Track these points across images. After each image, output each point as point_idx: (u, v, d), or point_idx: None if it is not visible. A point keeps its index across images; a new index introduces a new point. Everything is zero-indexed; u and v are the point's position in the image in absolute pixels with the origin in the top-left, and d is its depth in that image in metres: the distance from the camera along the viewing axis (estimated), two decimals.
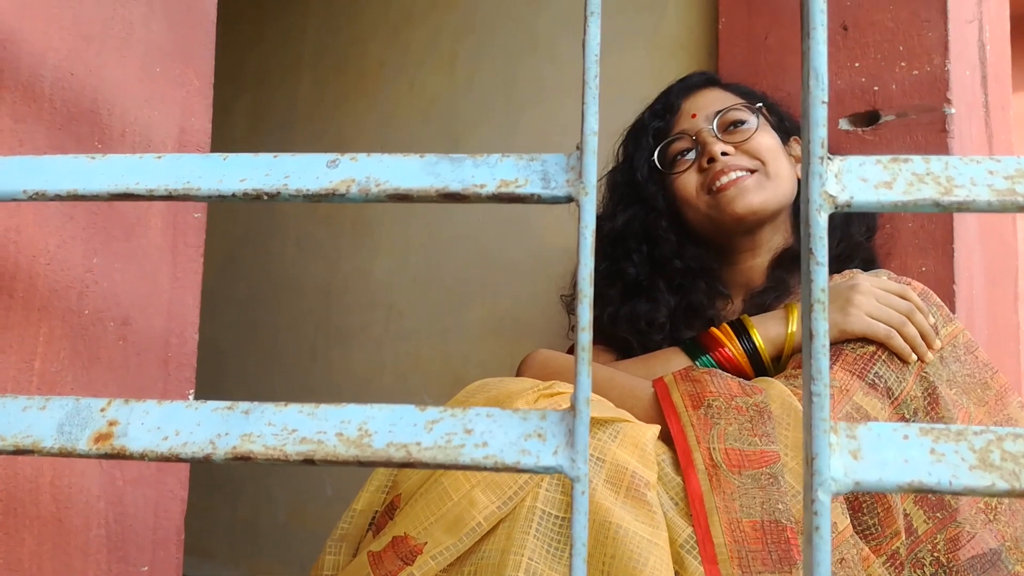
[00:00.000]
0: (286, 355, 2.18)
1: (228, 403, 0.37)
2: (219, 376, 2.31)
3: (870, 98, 1.25)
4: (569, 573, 0.73)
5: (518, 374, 1.09)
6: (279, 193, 0.36)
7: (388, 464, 0.35)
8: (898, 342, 0.93)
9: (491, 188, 0.35)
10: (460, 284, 1.86)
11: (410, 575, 0.74)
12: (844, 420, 0.91)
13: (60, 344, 0.46)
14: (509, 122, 1.84)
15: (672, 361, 1.03)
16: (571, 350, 1.23)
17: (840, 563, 0.77)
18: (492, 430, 0.34)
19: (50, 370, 0.44)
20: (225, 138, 2.58)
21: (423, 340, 1.94)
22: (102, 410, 0.37)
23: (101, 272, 0.48)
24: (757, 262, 1.18)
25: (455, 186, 0.36)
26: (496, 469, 0.34)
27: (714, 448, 0.82)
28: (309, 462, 0.35)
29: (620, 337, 1.18)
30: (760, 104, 1.17)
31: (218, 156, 0.37)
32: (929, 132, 1.20)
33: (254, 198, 0.35)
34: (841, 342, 0.96)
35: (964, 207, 0.33)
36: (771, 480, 0.80)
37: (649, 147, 1.19)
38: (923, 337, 0.96)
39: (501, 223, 1.80)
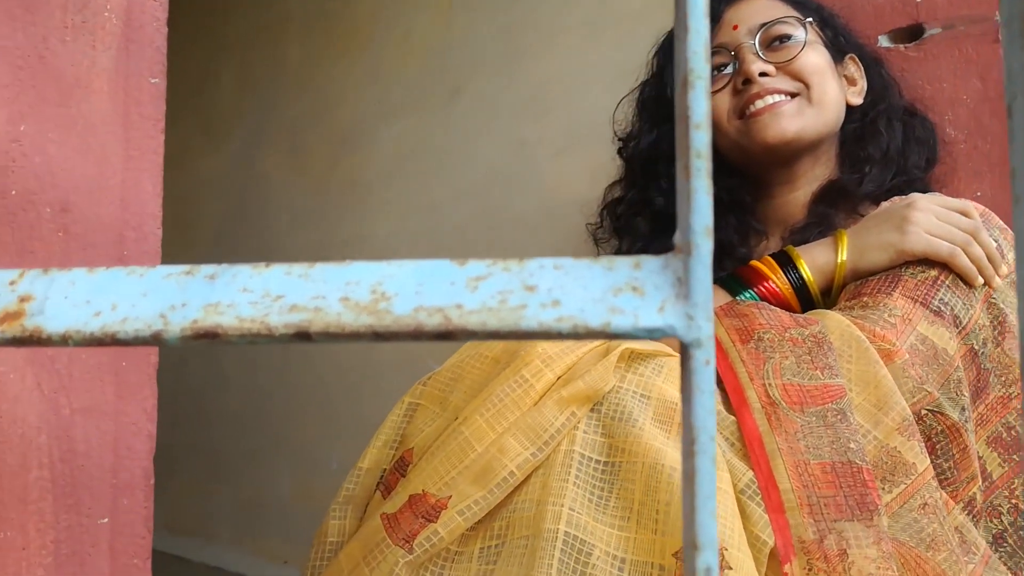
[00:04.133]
0: None
1: (186, 267, 0.26)
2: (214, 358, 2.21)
3: (912, 10, 1.14)
4: (615, 523, 0.64)
5: None
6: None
7: (417, 336, 0.24)
8: (963, 261, 0.83)
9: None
10: (463, 243, 1.75)
11: (434, 532, 0.64)
12: (909, 352, 0.82)
13: None
14: (512, 71, 1.72)
15: (715, 296, 0.92)
16: None
17: (923, 508, 0.67)
18: (564, 285, 0.24)
19: None
20: (212, 105, 2.46)
21: None
22: (11, 283, 0.27)
23: (31, 143, 0.38)
24: (795, 196, 1.07)
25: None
26: (576, 336, 0.23)
27: (770, 384, 0.72)
28: (302, 336, 0.24)
29: None
30: (812, 17, 1.05)
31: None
32: (981, 44, 1.09)
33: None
34: (899, 265, 0.86)
35: None
36: (839, 416, 0.70)
37: None
38: (989, 259, 0.85)
39: (506, 177, 1.69)
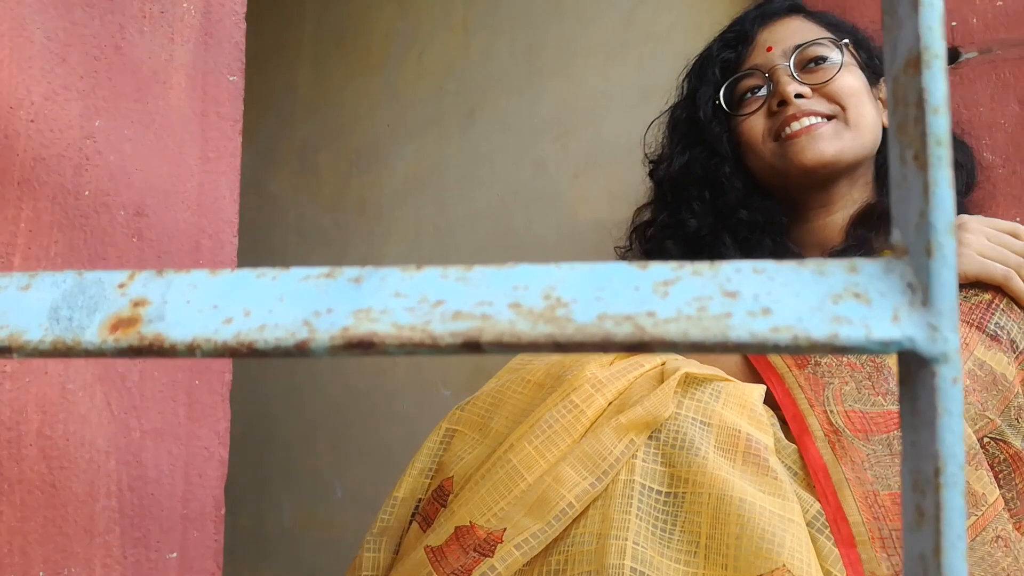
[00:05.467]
0: None
1: (325, 268, 0.24)
2: None
3: (948, 34, 1.13)
4: (681, 559, 0.60)
5: None
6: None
7: (605, 347, 0.21)
8: (1018, 284, 0.81)
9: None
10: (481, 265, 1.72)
11: (491, 568, 0.60)
12: (968, 378, 0.79)
13: (49, 234, 0.33)
14: (531, 91, 1.71)
15: None
16: None
17: (995, 541, 0.64)
18: (771, 291, 0.21)
19: (36, 269, 0.31)
20: None
21: None
22: (121, 285, 0.24)
23: (106, 140, 0.35)
24: (833, 219, 1.05)
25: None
26: (797, 349, 0.20)
27: (832, 411, 0.69)
28: (471, 347, 0.21)
29: None
30: (847, 39, 1.04)
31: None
32: (1017, 69, 1.08)
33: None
34: None
35: None
36: None
37: (715, 82, 1.06)
38: None
39: (524, 198, 1.67)
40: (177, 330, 0.22)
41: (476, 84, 1.79)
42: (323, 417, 1.95)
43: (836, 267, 0.21)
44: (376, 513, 0.80)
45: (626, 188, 1.49)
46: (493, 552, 0.61)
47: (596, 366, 0.72)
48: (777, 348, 0.20)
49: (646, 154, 1.19)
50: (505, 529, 0.61)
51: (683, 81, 1.16)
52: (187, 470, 0.37)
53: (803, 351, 0.20)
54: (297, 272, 0.23)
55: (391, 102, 1.97)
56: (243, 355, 0.22)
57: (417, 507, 0.76)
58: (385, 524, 0.77)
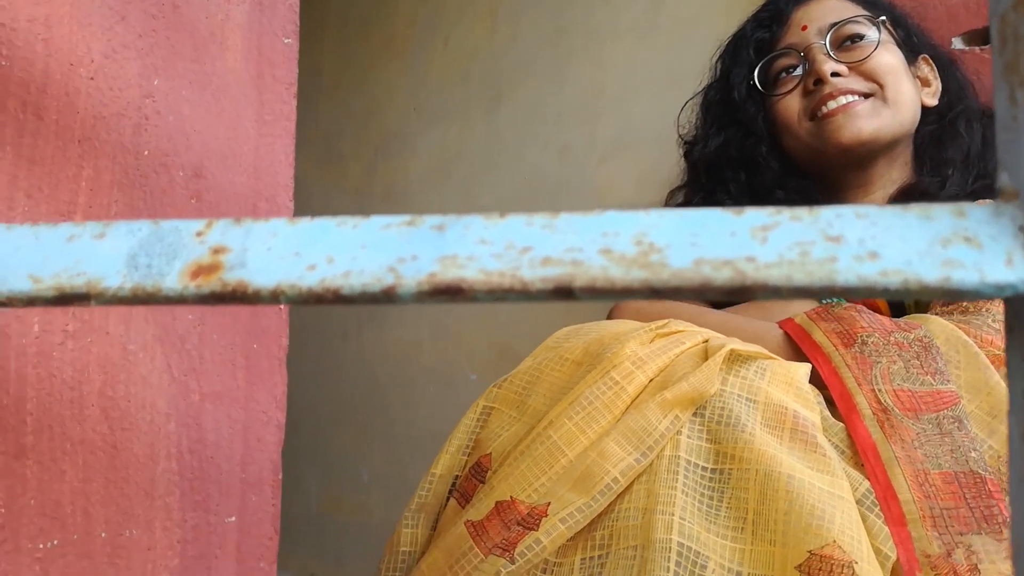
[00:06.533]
0: (315, 338, 2.04)
1: (407, 216, 0.23)
2: None
3: (987, 11, 1.10)
4: (728, 535, 0.60)
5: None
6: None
7: (703, 291, 0.20)
8: None
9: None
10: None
11: (536, 541, 0.60)
12: None
13: (109, 193, 0.32)
14: (558, 76, 1.69)
15: (793, 302, 0.88)
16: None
17: None
18: (876, 236, 0.20)
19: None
20: None
21: (464, 313, 1.80)
22: (199, 234, 0.23)
23: (165, 100, 0.35)
24: (871, 199, 1.03)
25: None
26: (907, 294, 0.20)
27: (880, 390, 0.68)
28: (563, 292, 0.21)
29: None
30: (884, 16, 1.02)
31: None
32: None
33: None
34: None
35: None
36: (956, 424, 0.65)
37: (750, 62, 1.04)
38: None
39: (552, 183, 1.66)
40: (260, 276, 0.22)
41: (502, 69, 1.78)
42: (350, 402, 1.96)
43: (943, 211, 0.21)
44: (403, 497, 0.80)
45: (654, 173, 1.47)
46: (538, 526, 0.60)
47: (636, 343, 0.71)
48: (887, 292, 0.19)
49: (680, 135, 1.18)
50: (549, 503, 0.61)
51: (716, 62, 1.14)
52: (246, 434, 0.37)
53: (914, 295, 0.19)
54: (378, 220, 0.23)
55: (416, 88, 1.96)
56: (329, 302, 0.22)
57: (454, 484, 0.76)
58: (423, 500, 0.77)
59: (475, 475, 0.74)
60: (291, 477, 2.24)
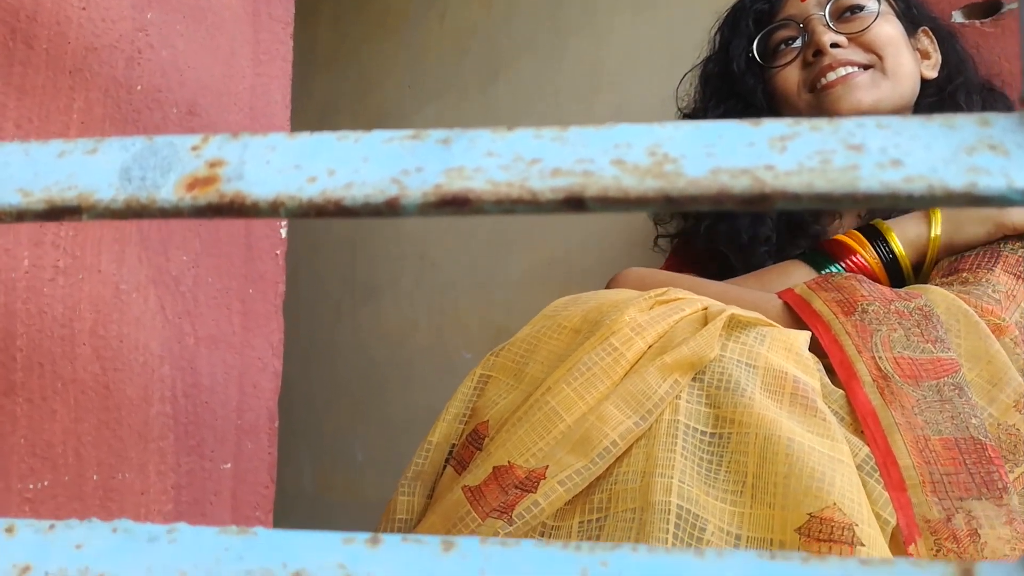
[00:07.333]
0: (308, 316, 2.03)
1: (410, 131, 0.22)
2: None
3: None
4: (727, 498, 0.60)
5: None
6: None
7: (720, 200, 0.20)
8: None
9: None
10: (501, 229, 1.71)
11: (534, 503, 0.60)
12: (1017, 330, 0.77)
13: (101, 128, 0.31)
14: (555, 52, 1.68)
15: (792, 274, 0.88)
16: (666, 268, 1.08)
17: None
18: (899, 144, 0.20)
19: None
20: None
21: (460, 292, 1.79)
22: (194, 148, 0.22)
23: (158, 34, 0.34)
24: None
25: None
26: (932, 201, 0.19)
27: (880, 357, 0.68)
28: (574, 203, 0.20)
29: (714, 256, 1.03)
30: None
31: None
32: None
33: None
34: (996, 241, 0.82)
35: None
36: (956, 391, 0.65)
37: (748, 33, 1.03)
38: None
39: None
40: (259, 188, 0.21)
41: (499, 45, 1.77)
42: (344, 382, 1.95)
43: (967, 121, 0.20)
44: (397, 477, 0.79)
45: None
46: (536, 488, 0.60)
47: (635, 310, 0.71)
48: (911, 199, 0.19)
49: (679, 108, 1.17)
50: (547, 467, 0.61)
51: (715, 34, 1.13)
52: (241, 380, 0.36)
53: (940, 202, 0.19)
54: (380, 134, 0.22)
55: (412, 64, 1.94)
56: (330, 213, 0.21)
57: (451, 452, 0.76)
58: (419, 468, 0.76)
59: (472, 443, 0.73)
60: (285, 456, 2.23)
